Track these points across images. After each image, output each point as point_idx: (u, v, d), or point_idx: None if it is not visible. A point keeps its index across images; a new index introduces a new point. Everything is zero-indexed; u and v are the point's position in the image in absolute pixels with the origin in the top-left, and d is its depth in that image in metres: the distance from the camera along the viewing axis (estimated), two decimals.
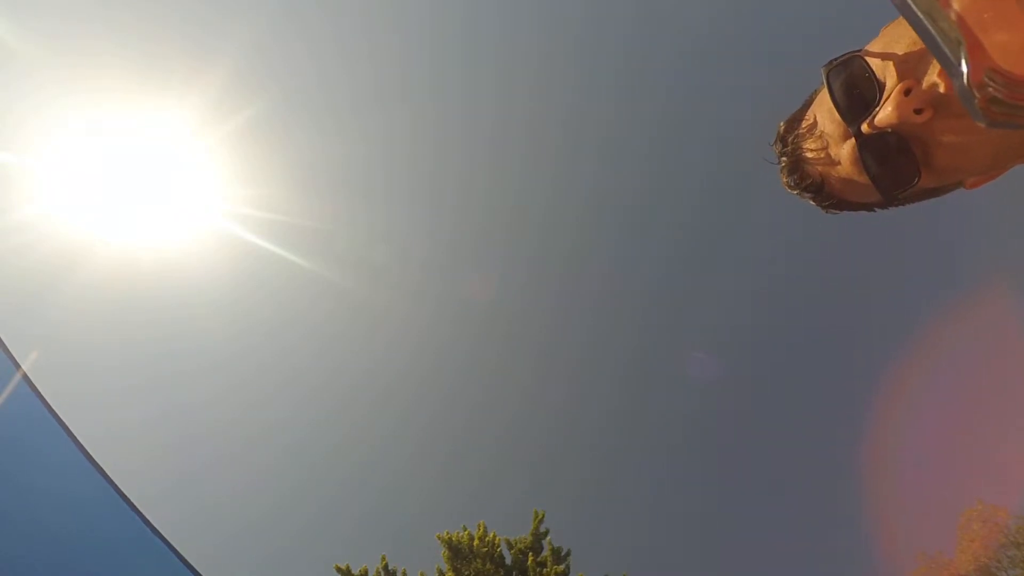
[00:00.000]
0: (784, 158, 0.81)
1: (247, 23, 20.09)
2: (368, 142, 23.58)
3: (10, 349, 4.93)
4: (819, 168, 0.76)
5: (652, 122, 24.28)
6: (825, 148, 0.74)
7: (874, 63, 0.66)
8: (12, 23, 15.75)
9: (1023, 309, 19.68)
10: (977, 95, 0.45)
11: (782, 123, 0.82)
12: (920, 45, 0.58)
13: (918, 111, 0.61)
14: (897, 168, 0.66)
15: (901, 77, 0.63)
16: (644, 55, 23.28)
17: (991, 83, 0.44)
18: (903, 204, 0.77)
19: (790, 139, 0.79)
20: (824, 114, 0.72)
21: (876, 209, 0.81)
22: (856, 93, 0.67)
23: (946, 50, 0.45)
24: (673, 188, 25.31)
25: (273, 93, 21.58)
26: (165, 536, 5.04)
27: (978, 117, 0.47)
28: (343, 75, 23.12)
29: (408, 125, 23.92)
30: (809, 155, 0.76)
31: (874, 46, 0.67)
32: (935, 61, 0.57)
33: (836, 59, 0.69)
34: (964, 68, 0.44)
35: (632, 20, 22.52)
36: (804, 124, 0.77)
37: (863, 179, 0.70)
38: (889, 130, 0.64)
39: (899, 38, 0.63)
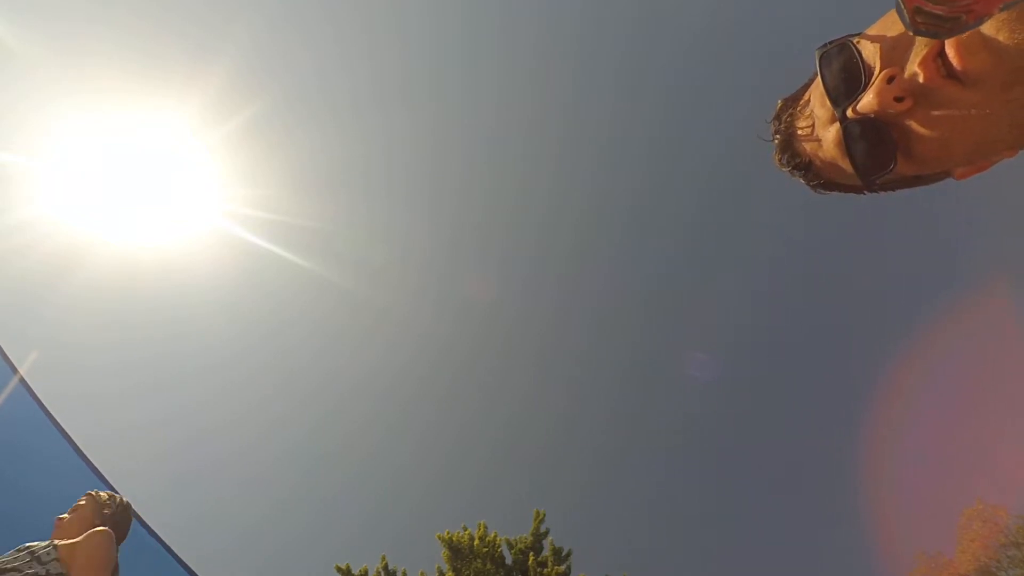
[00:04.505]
0: (778, 135, 0.82)
1: (247, 23, 20.10)
2: (368, 142, 23.59)
3: (9, 349, 4.92)
4: (807, 147, 0.77)
5: (652, 122, 24.29)
6: (812, 127, 0.75)
7: (865, 49, 0.66)
8: (12, 23, 15.75)
9: (1023, 309, 19.66)
10: (906, 5, 0.51)
11: (781, 100, 0.83)
12: (908, 32, 0.58)
13: (899, 99, 0.62)
14: (874, 154, 0.68)
15: (885, 64, 0.64)
16: (644, 55, 23.27)
17: None
18: (886, 190, 0.78)
19: (784, 117, 0.81)
20: (816, 96, 0.73)
21: (865, 192, 0.80)
22: (844, 78, 0.68)
23: None
24: (673, 189, 25.32)
25: (273, 93, 21.60)
26: (163, 538, 5.04)
27: (907, 26, 0.53)
28: (343, 75, 23.14)
29: (408, 125, 23.93)
30: (800, 133, 0.78)
31: (872, 30, 0.68)
32: (917, 49, 0.60)
33: (829, 42, 0.70)
34: None
35: (632, 20, 22.52)
36: (800, 103, 0.79)
37: (844, 163, 0.71)
38: (871, 116, 0.65)
39: (893, 23, 0.64)
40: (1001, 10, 0.50)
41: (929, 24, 0.51)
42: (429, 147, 24.36)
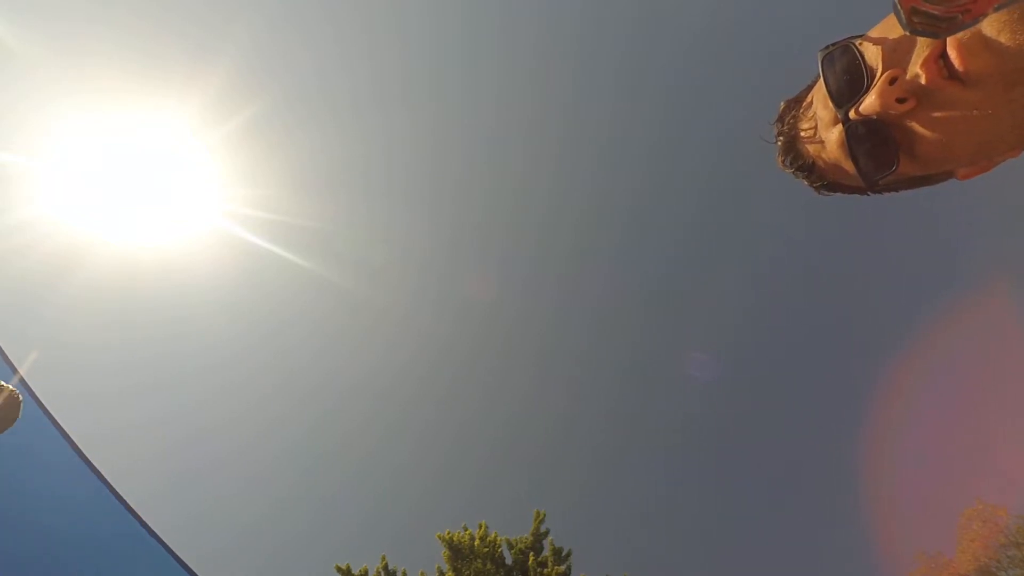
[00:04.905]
0: (780, 137, 0.82)
1: (247, 23, 20.09)
2: (368, 142, 23.59)
3: (9, 349, 4.92)
4: (811, 148, 0.78)
5: (652, 122, 24.29)
6: (815, 129, 0.75)
7: (867, 51, 0.67)
8: (12, 23, 15.74)
9: (1023, 309, 19.65)
10: (903, 6, 0.52)
11: (783, 102, 0.83)
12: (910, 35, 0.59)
13: (901, 100, 0.62)
14: (877, 154, 0.68)
15: (887, 66, 0.64)
16: (644, 55, 23.27)
17: None
18: (889, 191, 0.78)
19: (787, 118, 0.81)
20: (819, 98, 0.74)
21: (870, 193, 0.81)
22: (846, 79, 0.68)
23: None
24: (673, 188, 25.32)
25: (273, 93, 21.59)
26: (162, 537, 5.04)
27: (904, 26, 0.53)
28: (343, 75, 23.13)
29: (408, 125, 23.93)
30: (803, 135, 0.78)
31: (874, 31, 0.68)
32: (918, 51, 0.60)
33: (831, 44, 0.71)
34: None
35: (632, 20, 22.52)
36: (802, 105, 0.79)
37: (848, 164, 0.72)
38: (874, 117, 0.65)
39: (895, 24, 0.64)
40: (996, 10, 0.50)
41: (926, 24, 0.52)
42: (429, 147, 24.37)
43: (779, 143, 0.83)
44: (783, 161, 0.83)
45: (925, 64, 0.59)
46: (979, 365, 19.82)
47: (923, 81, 0.60)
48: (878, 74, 0.65)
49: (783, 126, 0.82)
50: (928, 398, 20.42)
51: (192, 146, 19.13)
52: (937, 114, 0.62)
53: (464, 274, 25.08)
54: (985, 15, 0.51)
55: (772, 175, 0.88)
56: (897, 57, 0.63)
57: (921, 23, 0.52)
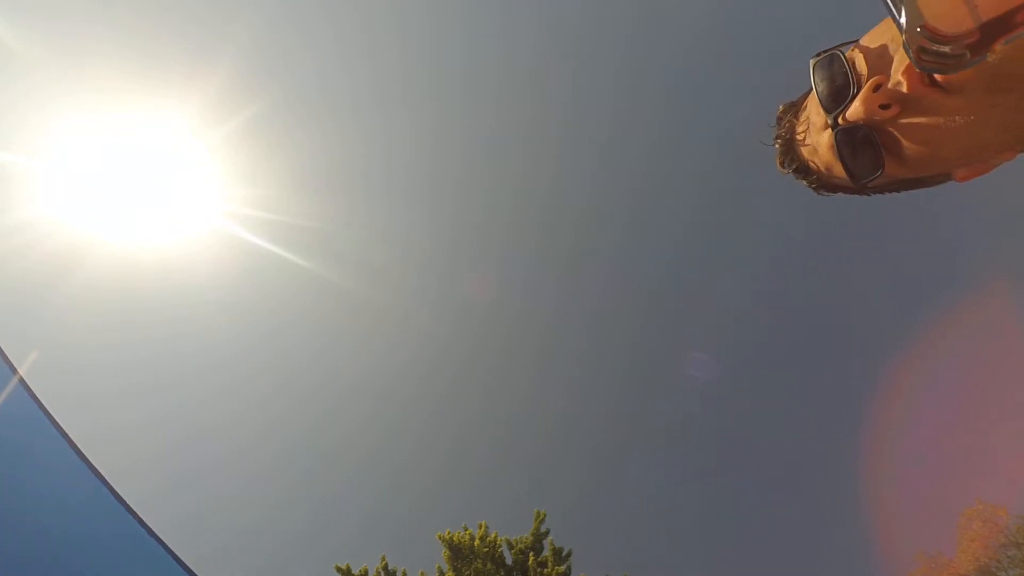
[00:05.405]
0: (778, 140, 0.85)
1: (247, 23, 20.10)
2: (368, 142, 23.59)
3: (9, 349, 4.92)
4: (805, 152, 0.81)
5: (652, 122, 24.29)
6: (808, 132, 0.78)
7: (856, 58, 0.69)
8: (12, 23, 15.75)
9: (1023, 309, 19.66)
10: (911, 45, 0.53)
11: (782, 106, 0.86)
12: (896, 42, 0.60)
13: (884, 106, 0.64)
14: (864, 158, 0.71)
15: (872, 73, 0.66)
16: (644, 55, 23.27)
17: (922, 36, 0.52)
18: (882, 192, 0.81)
19: (785, 122, 0.84)
20: (812, 104, 0.76)
21: (871, 193, 0.83)
22: (835, 86, 0.71)
23: (893, 9, 0.55)
24: (673, 188, 25.32)
25: (273, 93, 21.59)
26: (161, 537, 5.03)
27: (914, 63, 0.55)
28: (343, 75, 23.13)
29: (408, 125, 23.93)
30: (798, 138, 0.81)
31: (864, 39, 0.70)
32: (900, 58, 0.62)
33: (822, 51, 0.73)
34: (903, 22, 0.53)
35: (632, 20, 22.52)
36: (799, 109, 0.82)
37: (838, 167, 0.74)
38: (860, 123, 0.68)
39: (884, 33, 0.66)
40: (1004, 44, 0.52)
41: (935, 62, 0.53)
42: (429, 147, 24.37)
43: (777, 146, 0.86)
44: (781, 163, 0.85)
45: (906, 72, 0.61)
46: (979, 365, 19.84)
47: (904, 89, 0.62)
48: (864, 81, 0.67)
49: (780, 129, 0.85)
50: (928, 398, 20.43)
51: (192, 146, 19.16)
52: (920, 120, 0.64)
53: (464, 274, 25.10)
54: (993, 51, 0.52)
55: (772, 175, 0.90)
56: (883, 64, 0.65)
57: (930, 61, 0.54)
